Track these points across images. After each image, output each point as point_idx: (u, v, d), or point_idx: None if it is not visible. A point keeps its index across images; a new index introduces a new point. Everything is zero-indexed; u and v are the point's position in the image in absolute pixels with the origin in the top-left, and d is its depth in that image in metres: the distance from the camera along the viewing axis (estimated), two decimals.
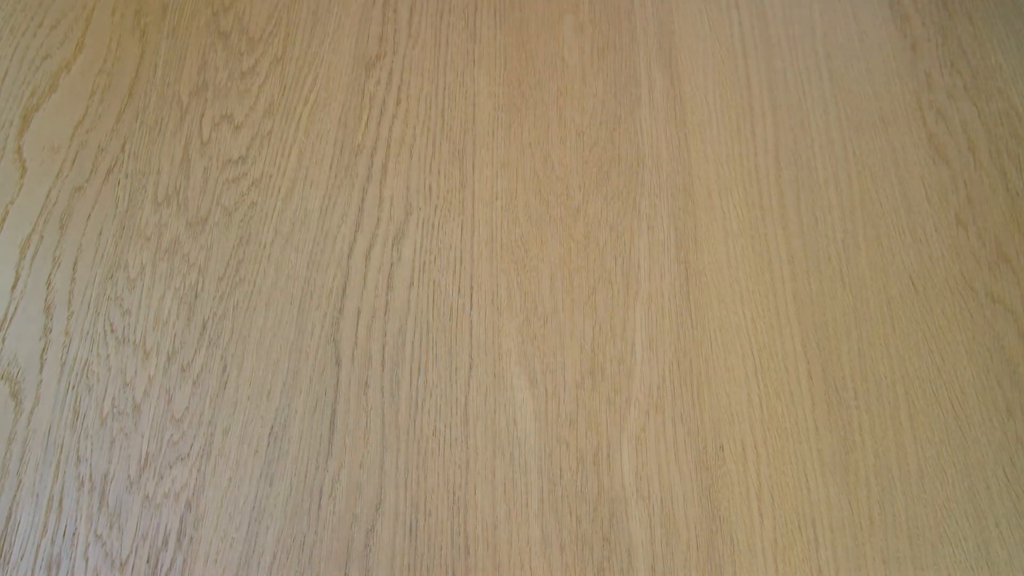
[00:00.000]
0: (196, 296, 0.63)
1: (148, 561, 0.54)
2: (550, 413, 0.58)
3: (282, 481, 0.56)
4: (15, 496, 0.56)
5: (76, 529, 0.55)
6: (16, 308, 0.63)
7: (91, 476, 0.57)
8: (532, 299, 0.62)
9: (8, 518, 0.55)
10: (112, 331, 0.62)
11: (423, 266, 0.64)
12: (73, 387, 0.60)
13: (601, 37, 0.74)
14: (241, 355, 0.61)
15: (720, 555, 0.54)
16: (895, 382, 0.59)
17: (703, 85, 0.72)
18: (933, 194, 0.66)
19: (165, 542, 0.55)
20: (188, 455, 0.57)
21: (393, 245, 0.65)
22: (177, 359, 0.61)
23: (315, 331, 0.62)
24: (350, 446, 0.57)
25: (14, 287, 0.64)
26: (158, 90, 0.73)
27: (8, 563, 0.54)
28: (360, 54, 0.75)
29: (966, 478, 0.56)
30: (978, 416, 0.58)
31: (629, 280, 0.63)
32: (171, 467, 0.57)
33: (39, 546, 0.54)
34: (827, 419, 0.58)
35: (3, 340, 0.62)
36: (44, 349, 0.61)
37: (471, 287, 0.63)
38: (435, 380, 0.60)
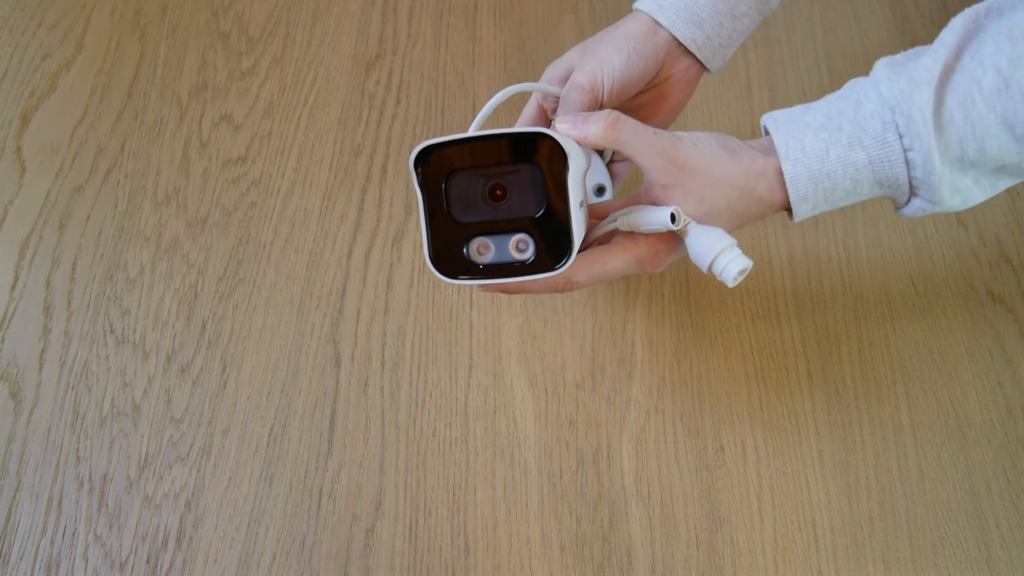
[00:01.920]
0: (196, 296, 0.63)
1: (148, 562, 0.54)
2: (550, 413, 0.58)
3: (282, 481, 0.56)
4: (14, 496, 0.56)
5: (76, 530, 0.55)
6: (15, 308, 0.63)
7: (90, 476, 0.57)
8: (532, 299, 0.62)
9: (7, 518, 0.55)
10: (112, 331, 0.62)
11: (423, 266, 0.64)
12: (72, 387, 0.60)
13: None
14: (241, 355, 0.61)
15: (720, 555, 0.54)
16: (895, 382, 0.59)
17: (703, 85, 0.72)
18: None
19: (165, 542, 0.55)
20: (188, 455, 0.57)
21: (393, 245, 0.65)
22: (177, 359, 0.61)
23: (315, 331, 0.62)
24: (350, 446, 0.57)
25: (13, 287, 0.64)
26: (157, 90, 0.73)
27: (8, 563, 0.54)
28: (360, 54, 0.75)
29: (966, 478, 0.56)
30: (978, 416, 0.58)
31: (629, 280, 0.63)
32: (171, 467, 0.57)
33: (38, 546, 0.54)
34: (827, 419, 0.58)
35: (2, 340, 0.62)
36: (43, 349, 0.61)
37: (471, 287, 0.63)
38: (435, 380, 0.60)
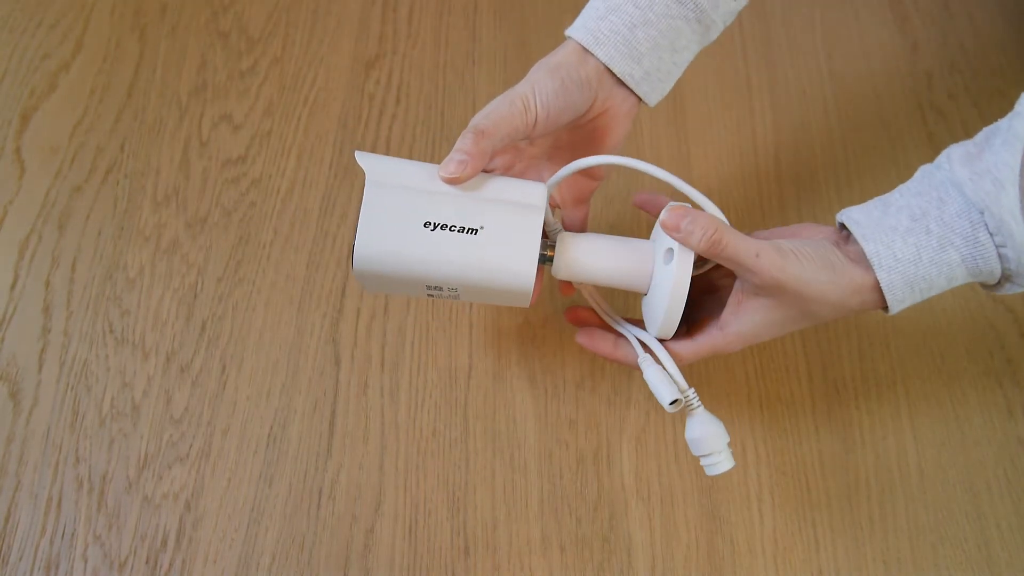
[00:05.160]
0: (195, 296, 0.63)
1: (147, 562, 0.54)
2: (550, 414, 0.58)
3: (281, 482, 0.56)
4: (13, 497, 0.56)
5: (75, 530, 0.55)
6: (15, 308, 0.63)
7: (90, 477, 0.57)
8: None
9: (7, 519, 0.55)
10: (111, 331, 0.62)
11: None
12: (72, 387, 0.60)
13: None
14: (240, 355, 0.61)
15: (720, 556, 0.54)
16: (895, 382, 0.59)
17: (703, 85, 0.72)
18: None
19: (164, 543, 0.54)
20: (187, 456, 0.57)
21: None
22: (176, 359, 0.61)
23: (314, 331, 0.62)
24: (349, 447, 0.57)
25: (13, 287, 0.63)
26: (157, 90, 0.73)
27: (7, 564, 0.54)
28: (360, 54, 0.75)
29: (967, 479, 0.56)
30: (979, 416, 0.58)
31: None
32: (170, 468, 0.57)
33: (38, 547, 0.54)
34: (827, 419, 0.58)
35: (2, 340, 0.62)
36: (43, 349, 0.61)
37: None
38: (435, 380, 0.60)
